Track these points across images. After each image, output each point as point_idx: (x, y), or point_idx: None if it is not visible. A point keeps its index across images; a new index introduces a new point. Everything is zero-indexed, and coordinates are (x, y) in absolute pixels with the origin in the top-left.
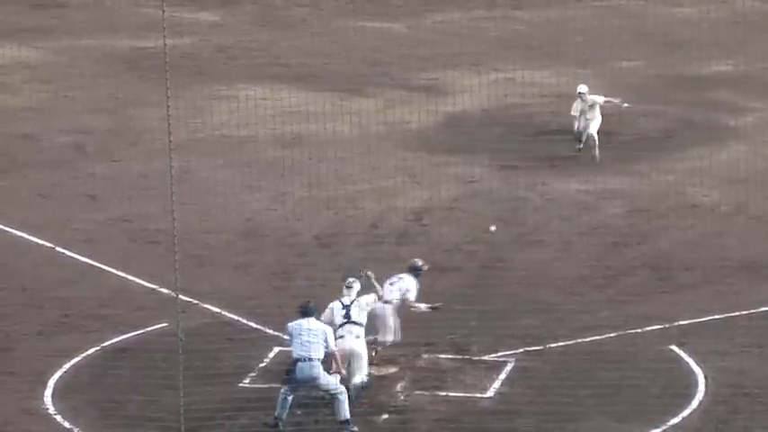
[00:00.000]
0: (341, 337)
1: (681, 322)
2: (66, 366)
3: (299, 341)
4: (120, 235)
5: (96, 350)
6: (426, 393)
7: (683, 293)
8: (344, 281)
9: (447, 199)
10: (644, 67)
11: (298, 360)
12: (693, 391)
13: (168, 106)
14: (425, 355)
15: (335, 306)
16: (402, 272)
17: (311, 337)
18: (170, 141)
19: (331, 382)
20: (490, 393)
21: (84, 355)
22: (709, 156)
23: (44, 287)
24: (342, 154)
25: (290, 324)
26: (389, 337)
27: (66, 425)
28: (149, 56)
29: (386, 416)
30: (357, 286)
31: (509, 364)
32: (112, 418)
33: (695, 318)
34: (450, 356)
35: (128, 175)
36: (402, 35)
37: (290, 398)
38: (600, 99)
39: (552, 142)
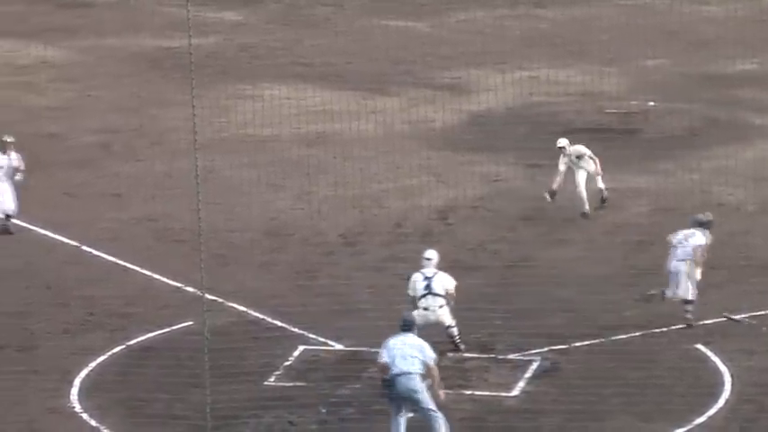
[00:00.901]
0: (425, 308)
1: (706, 321)
2: (92, 365)
3: (397, 355)
4: (145, 234)
5: (122, 348)
6: (451, 392)
7: (709, 292)
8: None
9: (472, 198)
10: (669, 65)
11: (396, 375)
12: (719, 390)
13: (193, 106)
14: (450, 354)
15: (417, 278)
16: (687, 228)
17: (409, 351)
18: (195, 141)
19: (429, 400)
20: (515, 392)
21: (109, 353)
22: (734, 154)
23: (69, 286)
24: (366, 153)
25: (389, 339)
26: (685, 294)
27: (93, 423)
28: (174, 55)
29: (410, 414)
30: (435, 259)
31: (534, 363)
32: (138, 417)
33: (721, 317)
34: (474, 355)
35: (152, 175)
36: (425, 34)
37: (401, 419)
38: (585, 150)
39: (577, 141)
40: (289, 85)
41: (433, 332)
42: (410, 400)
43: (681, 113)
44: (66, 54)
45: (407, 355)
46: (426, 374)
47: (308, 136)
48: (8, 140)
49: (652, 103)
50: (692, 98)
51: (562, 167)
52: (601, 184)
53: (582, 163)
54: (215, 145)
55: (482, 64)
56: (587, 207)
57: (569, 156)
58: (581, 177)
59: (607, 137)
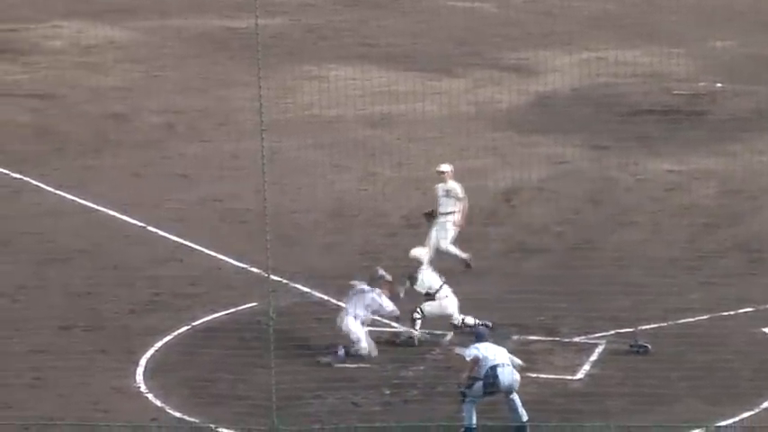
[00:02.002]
0: (446, 296)
1: None
2: (157, 345)
3: (492, 352)
4: (210, 214)
5: (187, 329)
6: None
7: None
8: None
9: (536, 179)
10: (737, 47)
11: (497, 366)
12: None
13: (260, 86)
14: (515, 337)
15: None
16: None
17: (497, 350)
18: (261, 122)
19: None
20: (580, 375)
21: (174, 333)
22: None
23: (135, 266)
24: (431, 134)
25: (475, 345)
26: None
27: (158, 403)
28: (239, 36)
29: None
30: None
31: (599, 347)
32: (202, 397)
33: None
34: (539, 338)
35: (218, 155)
36: (492, 14)
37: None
38: (459, 190)
39: (644, 122)
40: (354, 66)
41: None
42: (509, 391)
43: (748, 95)
44: (132, 34)
45: (499, 354)
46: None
47: (373, 117)
48: None
49: (720, 85)
50: (760, 80)
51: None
52: (451, 248)
53: (449, 204)
54: (280, 126)
55: (549, 45)
56: (463, 254)
57: (443, 184)
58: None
59: (674, 118)
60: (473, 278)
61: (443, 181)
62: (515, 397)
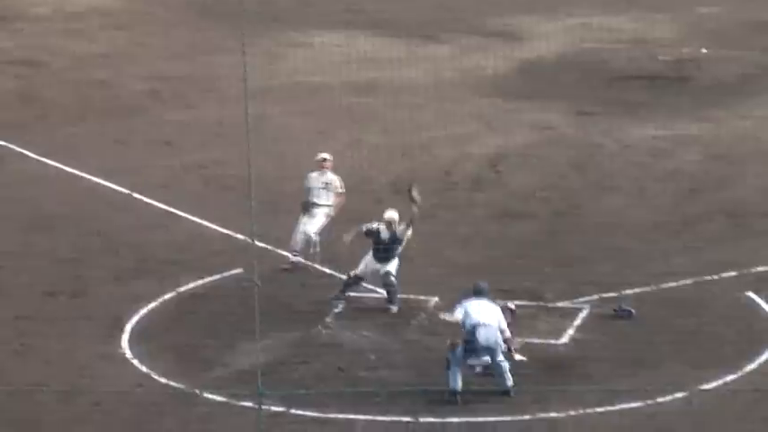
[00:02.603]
0: None
1: (757, 269)
2: (143, 311)
3: (476, 311)
4: (195, 181)
5: (172, 295)
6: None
7: (760, 240)
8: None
9: (522, 145)
10: (722, 12)
11: (476, 325)
12: None
13: (244, 53)
14: (500, 302)
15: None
16: None
17: (486, 312)
18: (246, 88)
19: (500, 351)
20: (564, 340)
21: (160, 300)
22: None
23: (120, 232)
24: (416, 100)
25: (464, 302)
26: None
27: (143, 369)
28: (224, 2)
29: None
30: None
31: (583, 311)
32: (188, 363)
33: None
34: (524, 303)
35: (203, 122)
36: None
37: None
38: (339, 183)
39: (629, 88)
40: (339, 33)
41: None
42: (488, 351)
43: (733, 60)
44: (117, 1)
45: (485, 310)
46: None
47: (358, 84)
48: None
49: (705, 50)
50: (745, 45)
51: (308, 185)
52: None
53: (328, 196)
54: (265, 93)
55: (534, 11)
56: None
57: (323, 176)
58: (316, 223)
59: (659, 84)
60: (458, 244)
61: (321, 170)
62: (502, 362)
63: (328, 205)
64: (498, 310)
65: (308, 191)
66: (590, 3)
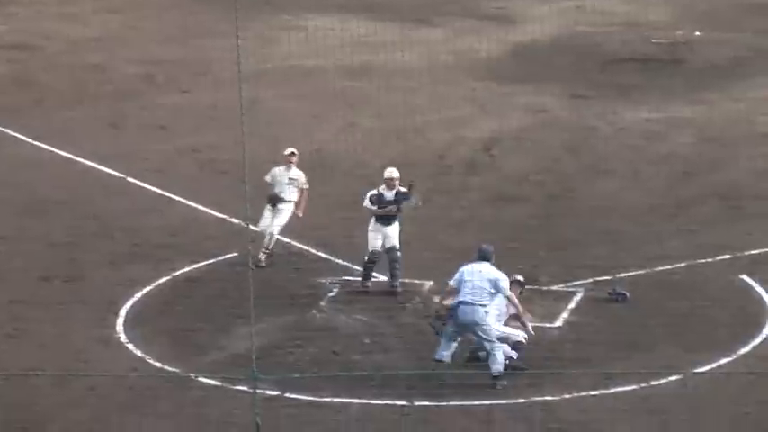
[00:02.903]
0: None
1: (751, 251)
2: (138, 295)
3: (467, 283)
4: (189, 165)
5: (167, 279)
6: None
7: (754, 222)
8: None
9: (516, 129)
10: None
11: (461, 302)
12: (763, 320)
13: (238, 36)
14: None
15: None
16: None
17: (479, 282)
18: (239, 72)
19: (491, 332)
20: (559, 323)
21: (154, 284)
22: None
23: (115, 217)
24: (410, 84)
25: (464, 266)
26: None
27: (138, 353)
28: None
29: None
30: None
31: (578, 294)
32: (183, 347)
33: (766, 247)
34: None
35: (197, 106)
36: None
37: (453, 343)
38: (303, 179)
39: (622, 71)
40: (333, 16)
41: None
42: (470, 331)
43: (727, 43)
44: None
45: (477, 286)
46: (511, 305)
47: (352, 67)
48: None
49: (698, 33)
50: (739, 28)
51: (269, 179)
52: (276, 236)
53: (292, 192)
54: (259, 76)
55: None
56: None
57: (288, 171)
58: (280, 220)
59: (652, 67)
60: (452, 228)
61: (288, 165)
62: (493, 344)
63: (293, 201)
64: (498, 277)
65: (273, 186)
66: None
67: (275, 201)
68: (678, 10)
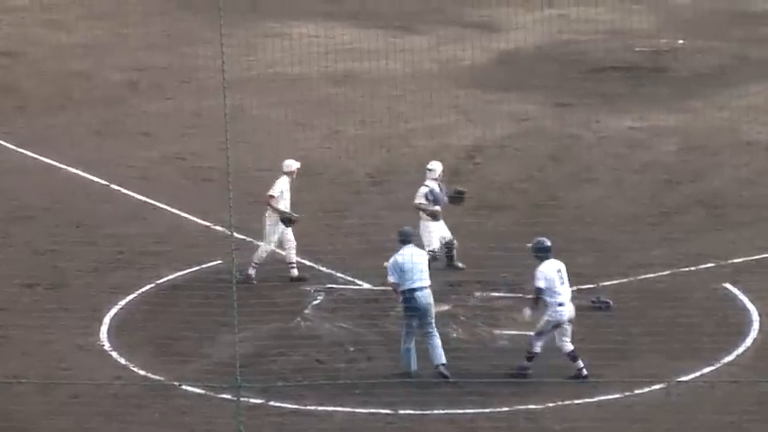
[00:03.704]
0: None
1: (735, 260)
2: (121, 303)
3: (413, 270)
4: (174, 172)
5: (151, 287)
6: (478, 331)
7: (737, 231)
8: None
9: (500, 137)
10: (699, 3)
11: (415, 290)
12: (747, 328)
13: (222, 44)
14: (478, 293)
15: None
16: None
17: (419, 264)
18: (224, 79)
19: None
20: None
21: (138, 291)
22: (764, 92)
23: (99, 224)
24: (394, 92)
25: (396, 255)
26: None
27: (122, 361)
28: None
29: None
30: (438, 170)
31: None
32: (167, 355)
33: (749, 255)
34: (502, 294)
35: (181, 113)
36: None
37: (414, 332)
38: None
39: (606, 79)
40: (317, 24)
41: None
42: (427, 314)
43: (711, 51)
44: None
45: (418, 269)
46: None
47: (336, 75)
48: None
49: (682, 41)
50: (722, 36)
51: (276, 193)
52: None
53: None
54: (244, 83)
55: (512, 2)
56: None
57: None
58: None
59: (636, 75)
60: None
61: (293, 179)
62: (433, 340)
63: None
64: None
65: (281, 200)
66: None
67: (290, 222)
68: (662, 18)
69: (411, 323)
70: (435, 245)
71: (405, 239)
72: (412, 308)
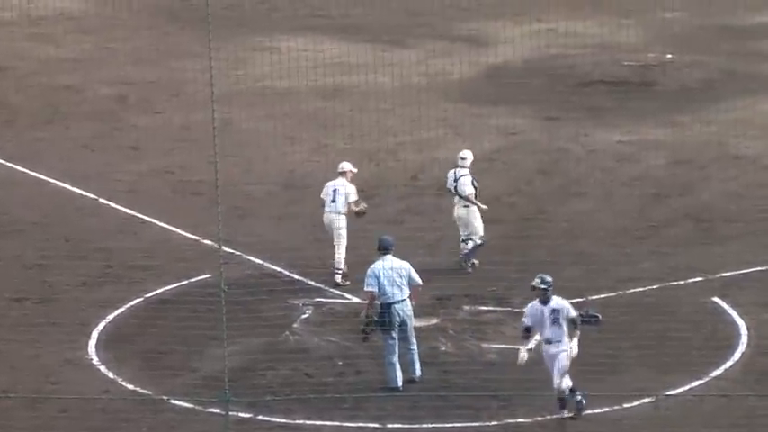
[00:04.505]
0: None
1: (723, 274)
2: (110, 317)
3: (387, 283)
4: (162, 186)
5: (139, 301)
6: (467, 345)
7: (726, 245)
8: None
9: (488, 150)
10: (687, 18)
11: (391, 303)
12: (735, 342)
13: (211, 58)
14: (467, 307)
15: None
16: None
17: (397, 277)
18: (212, 93)
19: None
20: (531, 345)
21: (127, 305)
22: (751, 106)
23: (87, 238)
24: (383, 105)
25: (373, 266)
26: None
27: (110, 375)
28: (191, 7)
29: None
30: (470, 158)
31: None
32: (155, 369)
33: (737, 269)
34: (491, 308)
35: (170, 127)
36: None
37: (396, 345)
38: (354, 193)
39: (594, 93)
40: (306, 38)
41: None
42: (403, 327)
43: (698, 66)
44: (83, 5)
45: (395, 281)
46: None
47: (325, 89)
48: None
49: (670, 56)
50: (710, 50)
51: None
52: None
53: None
54: (232, 97)
55: (500, 16)
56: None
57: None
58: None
59: (624, 89)
60: (425, 249)
61: (347, 178)
62: (412, 355)
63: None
64: (408, 267)
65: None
66: (556, 8)
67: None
68: (650, 32)
69: (390, 336)
70: (482, 231)
71: (384, 249)
72: (390, 322)
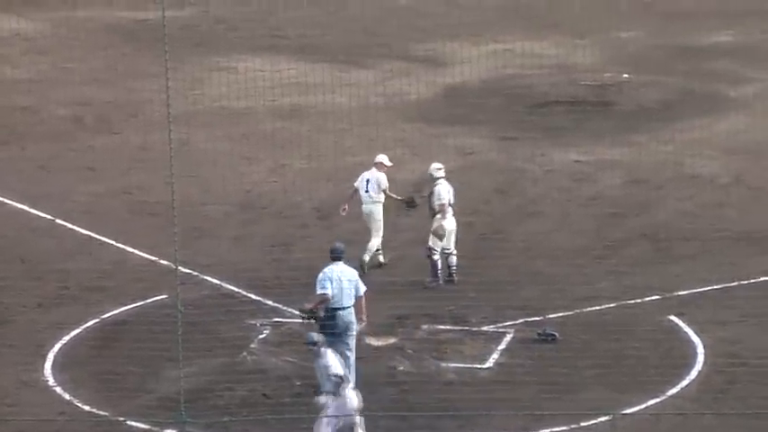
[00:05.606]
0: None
1: (679, 292)
2: (66, 338)
3: (338, 288)
4: (119, 207)
5: (96, 322)
6: (425, 364)
7: (682, 264)
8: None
9: (446, 170)
10: (643, 38)
11: (337, 309)
12: (692, 361)
13: (167, 78)
14: (425, 326)
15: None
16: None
17: (346, 284)
18: (169, 113)
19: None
20: (489, 364)
21: (83, 327)
22: (708, 126)
23: (43, 259)
24: (341, 125)
25: (326, 270)
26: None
27: (66, 397)
28: (148, 27)
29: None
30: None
31: (508, 335)
32: (112, 390)
33: (694, 288)
34: (449, 327)
35: (127, 148)
36: (401, 6)
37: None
38: (385, 181)
39: (551, 113)
40: (263, 58)
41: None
42: (345, 335)
43: (655, 86)
44: (40, 26)
45: (345, 288)
46: (356, 305)
47: (283, 109)
48: None
49: (626, 76)
50: (667, 70)
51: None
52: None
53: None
54: (189, 117)
55: (457, 36)
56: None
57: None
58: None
59: (581, 109)
60: (383, 268)
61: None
62: (349, 360)
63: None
64: (357, 278)
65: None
66: (513, 28)
67: (414, 204)
68: (606, 53)
69: (330, 340)
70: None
71: (336, 255)
72: (332, 326)
